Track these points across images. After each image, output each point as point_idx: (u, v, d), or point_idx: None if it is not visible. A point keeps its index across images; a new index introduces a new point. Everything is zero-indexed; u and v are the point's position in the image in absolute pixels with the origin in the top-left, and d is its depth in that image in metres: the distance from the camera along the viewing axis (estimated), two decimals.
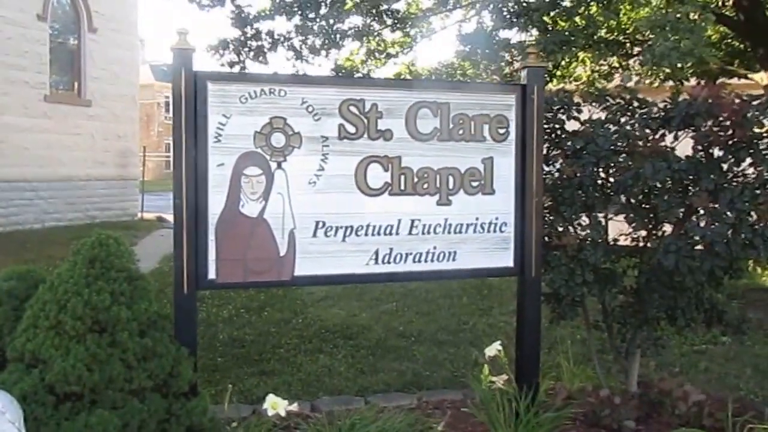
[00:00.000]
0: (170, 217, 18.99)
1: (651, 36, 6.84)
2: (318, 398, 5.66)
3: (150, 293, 3.91)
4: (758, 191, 4.64)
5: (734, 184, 4.75)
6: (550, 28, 9.04)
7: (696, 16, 6.28)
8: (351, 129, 4.47)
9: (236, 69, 11.63)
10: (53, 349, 3.54)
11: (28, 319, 3.69)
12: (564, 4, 8.94)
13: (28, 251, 13.07)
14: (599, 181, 5.01)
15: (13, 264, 4.52)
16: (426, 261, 4.66)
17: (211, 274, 4.25)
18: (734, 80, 12.47)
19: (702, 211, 4.71)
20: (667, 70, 11.50)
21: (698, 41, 6.24)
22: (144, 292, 3.85)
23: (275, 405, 3.83)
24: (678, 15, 6.29)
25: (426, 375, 6.42)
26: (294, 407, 3.92)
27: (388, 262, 4.60)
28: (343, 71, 12.52)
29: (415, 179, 4.57)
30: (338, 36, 11.33)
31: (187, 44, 4.17)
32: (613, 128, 5.03)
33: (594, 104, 5.31)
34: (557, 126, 5.15)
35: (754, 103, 4.71)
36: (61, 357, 3.52)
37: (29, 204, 16.93)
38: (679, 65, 8.01)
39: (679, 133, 4.98)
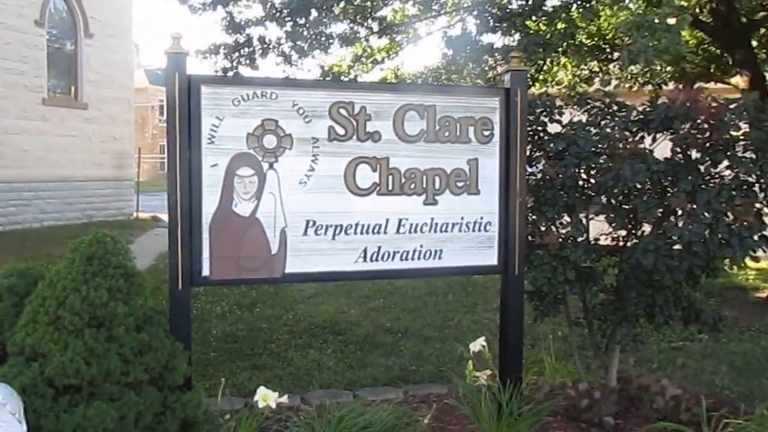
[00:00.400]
0: (165, 217, 19.14)
1: (629, 39, 6.94)
2: (308, 392, 5.79)
3: (146, 289, 4.00)
4: (734, 192, 4.76)
5: (711, 185, 4.86)
6: (532, 33, 9.14)
7: (673, 21, 6.38)
8: (340, 131, 4.58)
9: (230, 74, 11.72)
10: (52, 343, 3.63)
11: (27, 314, 3.77)
12: (546, 8, 9.03)
13: (27, 249, 13.17)
14: (580, 182, 5.11)
15: (12, 262, 4.63)
16: (413, 259, 4.77)
17: (205, 271, 4.36)
18: (711, 84, 12.63)
19: (680, 212, 4.82)
20: (646, 72, 11.63)
21: (675, 39, 6.34)
22: (140, 289, 3.94)
23: (266, 397, 3.94)
24: (656, 19, 6.40)
25: (412, 370, 6.55)
26: (285, 400, 4.03)
27: (377, 260, 4.71)
28: (331, 76, 12.61)
29: (403, 180, 4.69)
30: (325, 39, 11.42)
31: (181, 48, 4.27)
32: (593, 131, 5.15)
33: (575, 107, 5.42)
34: (540, 128, 5.27)
35: (731, 106, 4.82)
36: (59, 351, 3.60)
37: (28, 204, 17.06)
38: (657, 65, 8.13)
39: (658, 135, 5.11)
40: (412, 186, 4.71)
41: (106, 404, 3.58)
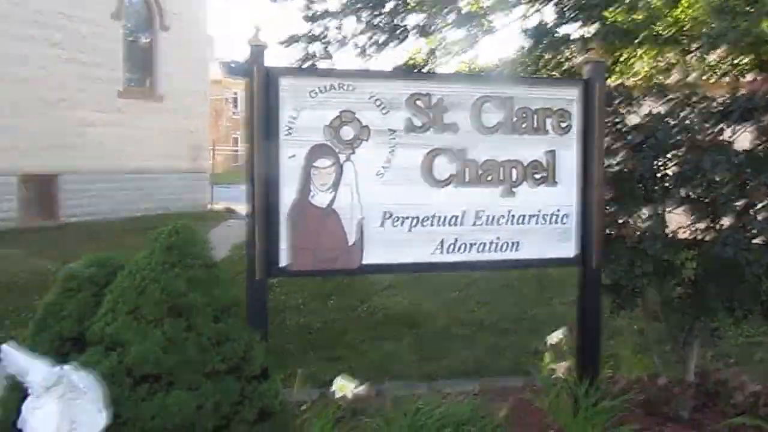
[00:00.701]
0: (239, 208, 19.41)
1: (706, 27, 6.83)
2: (383, 383, 5.80)
3: (224, 280, 4.02)
4: None
5: None
6: (610, 23, 9.03)
7: (752, 9, 6.27)
8: (418, 122, 4.59)
9: (306, 65, 11.81)
10: (132, 332, 3.66)
11: (107, 304, 3.81)
12: None
13: (103, 240, 13.40)
14: (659, 174, 5.04)
15: (89, 252, 4.72)
16: (490, 251, 4.76)
17: (283, 262, 4.41)
18: None
19: (760, 205, 4.74)
20: (726, 60, 11.35)
21: (756, 21, 6.22)
22: (218, 279, 3.96)
23: (344, 388, 3.97)
24: (736, 6, 6.31)
25: (488, 362, 6.53)
26: (361, 390, 4.05)
27: (453, 252, 4.71)
28: (406, 68, 12.60)
29: (480, 171, 4.68)
30: (401, 31, 11.45)
31: (260, 41, 4.31)
32: (672, 122, 5.06)
33: (653, 99, 5.35)
34: (617, 120, 5.21)
35: None
36: (139, 340, 3.63)
37: (104, 195, 17.38)
38: (739, 49, 7.96)
39: (738, 127, 5.01)
40: (490, 177, 4.70)
41: (184, 393, 3.61)
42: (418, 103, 4.59)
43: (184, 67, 20.02)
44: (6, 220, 15.14)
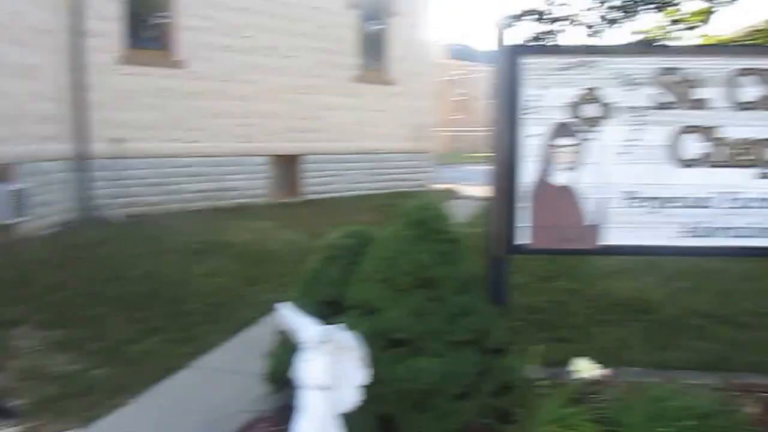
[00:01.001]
0: (460, 189, 19.59)
1: None
2: (614, 368, 5.67)
3: (466, 255, 4.11)
4: None
5: None
6: None
7: None
8: (664, 98, 4.45)
9: (540, 42, 11.76)
10: (384, 300, 3.84)
11: (362, 272, 4.02)
12: None
13: (340, 215, 13.91)
14: None
15: (329, 226, 4.92)
16: (738, 236, 4.54)
17: (523, 240, 4.43)
18: None
19: None
20: None
21: None
22: (461, 254, 4.05)
23: (583, 368, 3.93)
24: None
25: (726, 356, 6.22)
26: (600, 373, 3.99)
27: (697, 236, 4.54)
28: (648, 43, 12.24)
29: (731, 151, 4.46)
30: (635, 5, 11.17)
31: (501, 22, 4.35)
32: None
33: None
34: None
35: None
36: (390, 307, 3.80)
37: (339, 174, 18.26)
38: None
39: None
40: (744, 157, 4.47)
41: (431, 359, 3.72)
42: (665, 78, 4.46)
43: (411, 51, 20.47)
44: (259, 197, 16.25)
